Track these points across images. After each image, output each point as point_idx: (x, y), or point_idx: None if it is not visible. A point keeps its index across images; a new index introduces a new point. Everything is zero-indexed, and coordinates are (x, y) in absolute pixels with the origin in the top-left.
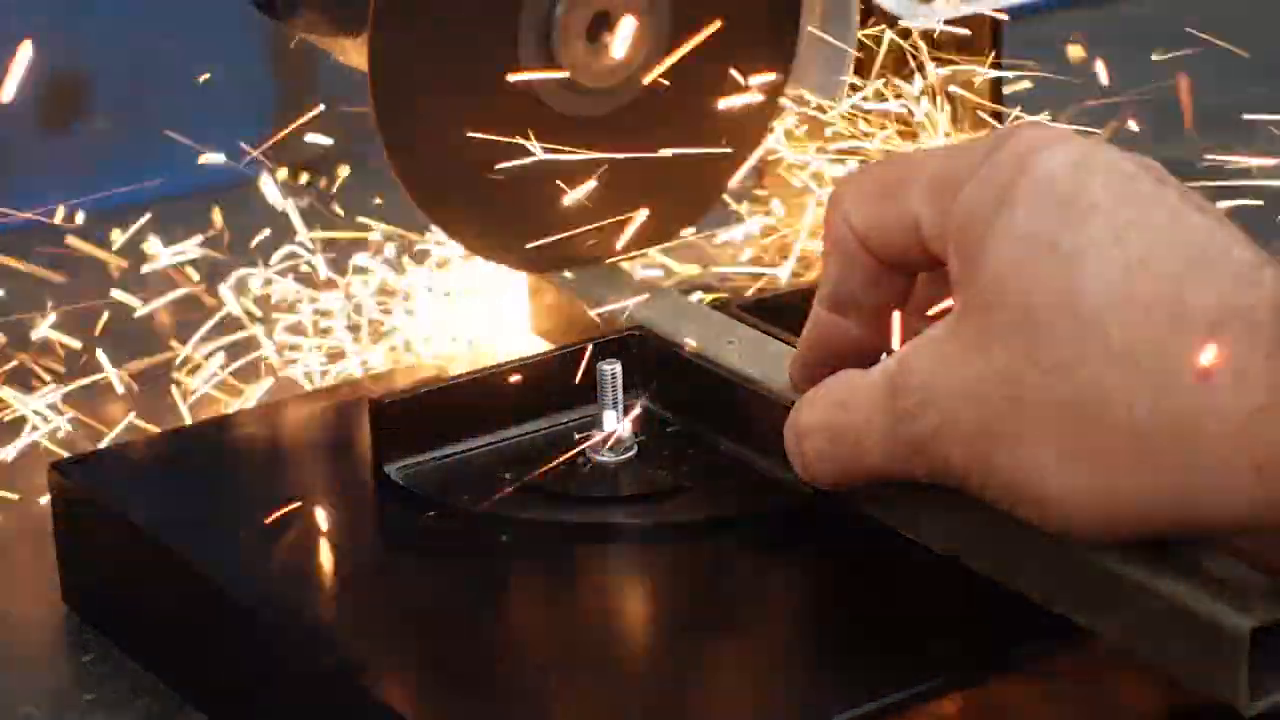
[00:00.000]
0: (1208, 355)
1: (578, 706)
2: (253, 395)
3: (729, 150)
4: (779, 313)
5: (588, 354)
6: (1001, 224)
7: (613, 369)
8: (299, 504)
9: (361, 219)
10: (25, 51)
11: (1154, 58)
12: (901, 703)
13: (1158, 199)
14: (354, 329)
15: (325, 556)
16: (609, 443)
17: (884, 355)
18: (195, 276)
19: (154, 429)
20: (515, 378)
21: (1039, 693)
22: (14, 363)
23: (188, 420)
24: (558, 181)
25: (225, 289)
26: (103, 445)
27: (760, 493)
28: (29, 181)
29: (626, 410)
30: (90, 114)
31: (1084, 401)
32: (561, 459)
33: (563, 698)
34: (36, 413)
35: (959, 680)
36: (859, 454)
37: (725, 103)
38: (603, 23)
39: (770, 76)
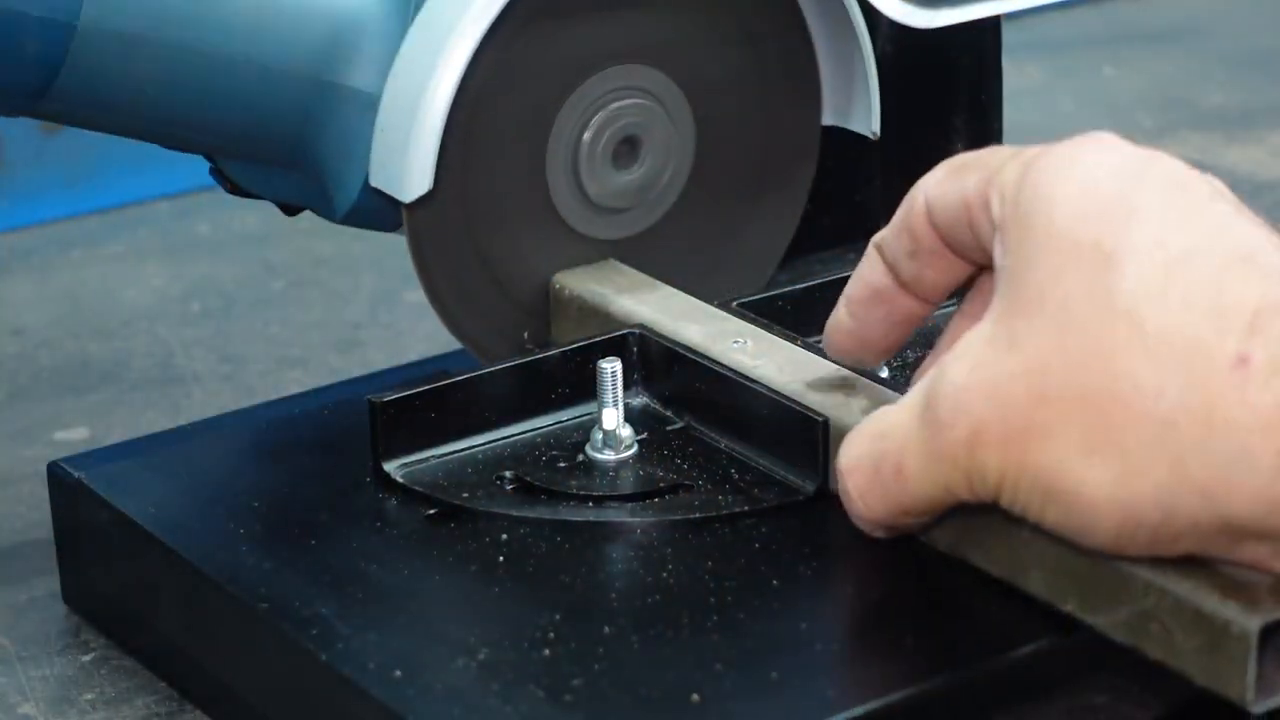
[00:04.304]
0: (1246, 346)
1: (578, 704)
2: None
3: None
4: (780, 311)
5: (588, 352)
6: (1042, 227)
7: (613, 367)
8: (297, 502)
9: None
10: None
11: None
12: (902, 703)
13: (1207, 208)
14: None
15: (325, 555)
16: (608, 441)
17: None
18: None
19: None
20: (515, 376)
21: (1045, 692)
22: None
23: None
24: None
25: None
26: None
27: (760, 491)
28: (29, 181)
29: (626, 408)
30: None
31: (1111, 390)
32: (561, 457)
33: (563, 696)
34: None
35: (962, 679)
36: (901, 480)
37: None
38: (629, 147)
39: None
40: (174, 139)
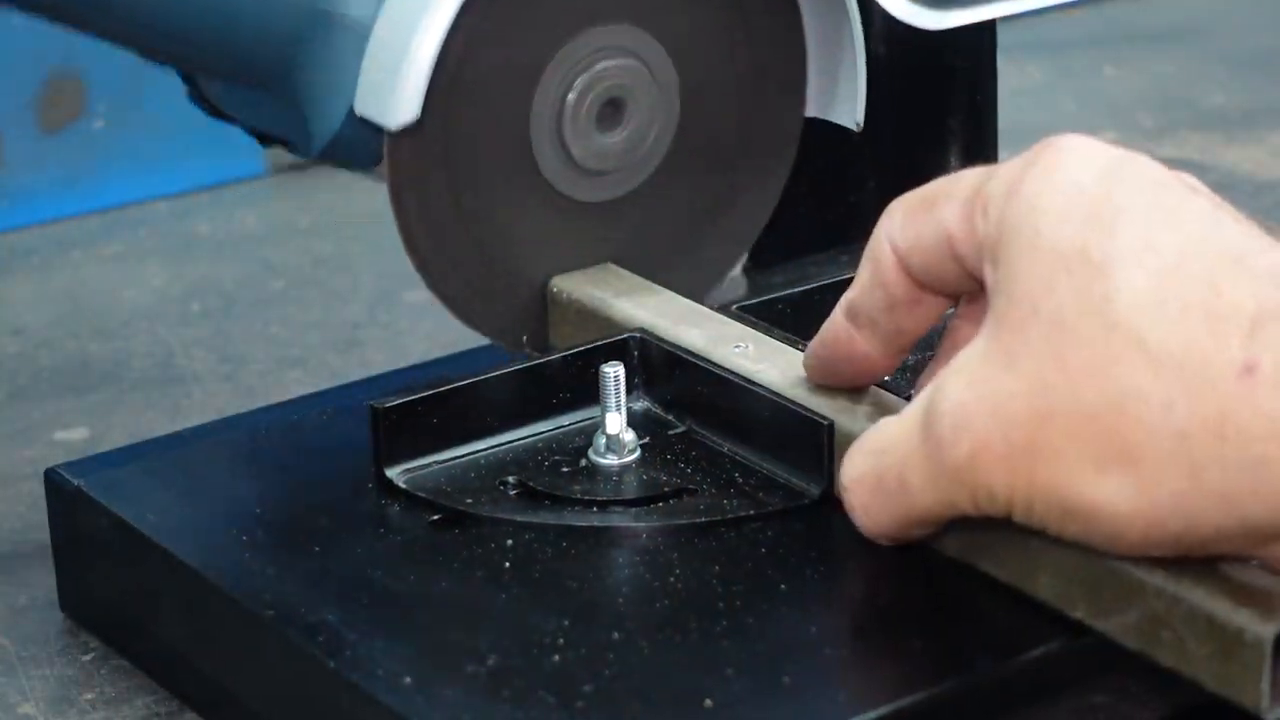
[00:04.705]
0: (1250, 353)
1: (590, 710)
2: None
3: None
4: (780, 314)
5: (590, 356)
6: (1028, 238)
7: (615, 371)
8: (299, 507)
9: None
10: None
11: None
12: (915, 706)
13: (1189, 206)
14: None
15: (326, 560)
16: (611, 445)
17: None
18: None
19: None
20: (516, 380)
21: (1055, 694)
22: None
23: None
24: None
25: None
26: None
27: (765, 495)
28: (29, 181)
29: (627, 412)
30: (90, 114)
31: (1117, 404)
32: (564, 462)
33: (574, 702)
34: None
35: (973, 683)
36: (905, 494)
37: None
38: (614, 108)
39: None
40: (159, 49)
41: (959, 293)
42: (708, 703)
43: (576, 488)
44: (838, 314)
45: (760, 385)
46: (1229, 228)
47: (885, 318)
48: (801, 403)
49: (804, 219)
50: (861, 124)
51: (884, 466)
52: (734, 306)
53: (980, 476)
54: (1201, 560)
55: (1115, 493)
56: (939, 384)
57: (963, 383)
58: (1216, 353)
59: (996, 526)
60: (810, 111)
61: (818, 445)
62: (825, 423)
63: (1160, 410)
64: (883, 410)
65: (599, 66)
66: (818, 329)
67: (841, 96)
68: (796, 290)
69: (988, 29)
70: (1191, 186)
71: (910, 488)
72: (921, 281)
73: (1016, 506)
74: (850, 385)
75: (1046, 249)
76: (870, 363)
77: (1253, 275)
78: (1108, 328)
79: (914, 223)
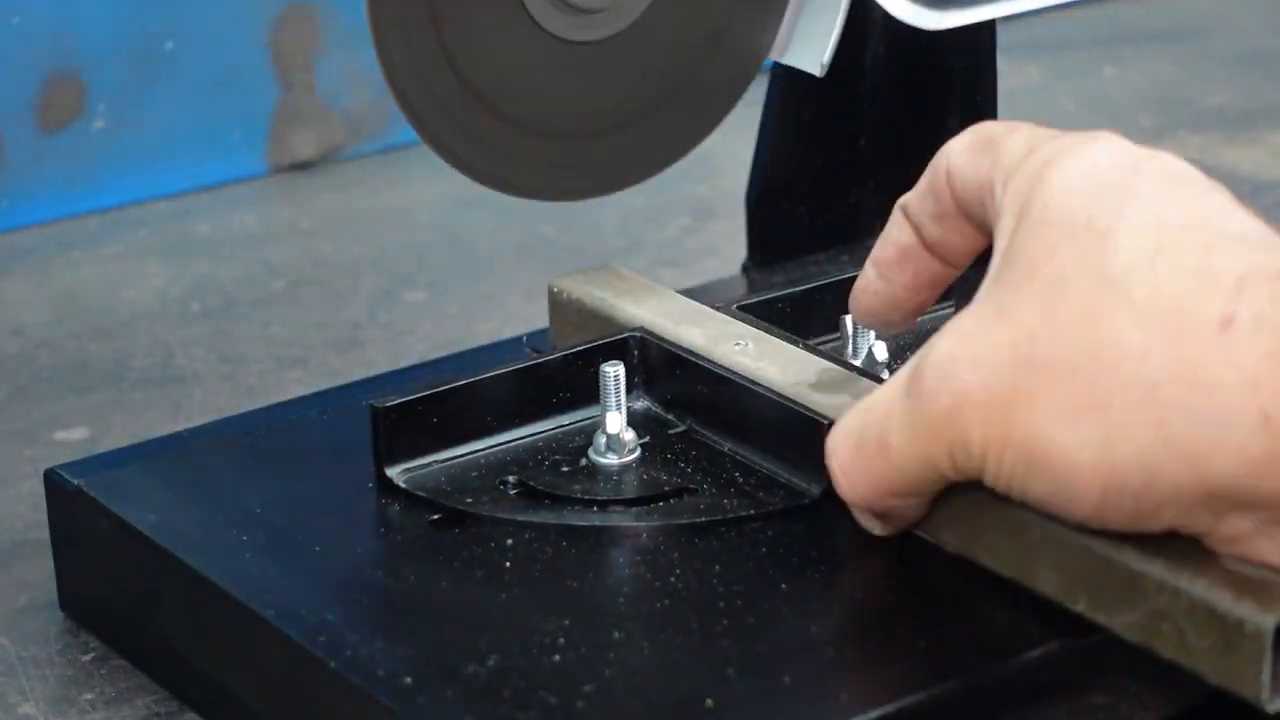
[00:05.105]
0: (1230, 307)
1: (590, 711)
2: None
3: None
4: (780, 314)
5: (590, 356)
6: (1039, 212)
7: (615, 370)
8: (299, 507)
9: None
10: None
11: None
12: (917, 706)
13: (1203, 197)
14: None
15: (330, 561)
16: (612, 445)
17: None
18: None
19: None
20: (517, 380)
21: (1057, 694)
22: None
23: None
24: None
25: None
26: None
27: (765, 494)
28: (29, 181)
29: (627, 412)
30: (90, 114)
31: (1097, 354)
32: (564, 461)
33: (575, 702)
34: None
35: (975, 683)
36: (885, 454)
37: None
38: None
39: None
40: None
41: (989, 233)
42: (708, 703)
43: (576, 487)
44: (898, 213)
45: (761, 384)
46: (1240, 214)
47: (932, 226)
48: (802, 402)
49: (804, 219)
50: (827, 67)
51: (866, 425)
52: (734, 306)
53: (958, 427)
54: (1201, 552)
55: (1080, 441)
56: (930, 342)
57: (951, 339)
58: (1199, 307)
59: (997, 520)
60: (774, 55)
61: (818, 445)
62: (825, 422)
63: (1136, 359)
64: None
65: None
66: (818, 329)
67: (809, 39)
68: (796, 290)
69: (987, 29)
70: (1213, 185)
71: (890, 447)
72: (960, 208)
73: (989, 461)
74: (906, 300)
75: (1054, 221)
76: (926, 263)
77: (1249, 245)
78: (1100, 284)
79: (970, 153)
